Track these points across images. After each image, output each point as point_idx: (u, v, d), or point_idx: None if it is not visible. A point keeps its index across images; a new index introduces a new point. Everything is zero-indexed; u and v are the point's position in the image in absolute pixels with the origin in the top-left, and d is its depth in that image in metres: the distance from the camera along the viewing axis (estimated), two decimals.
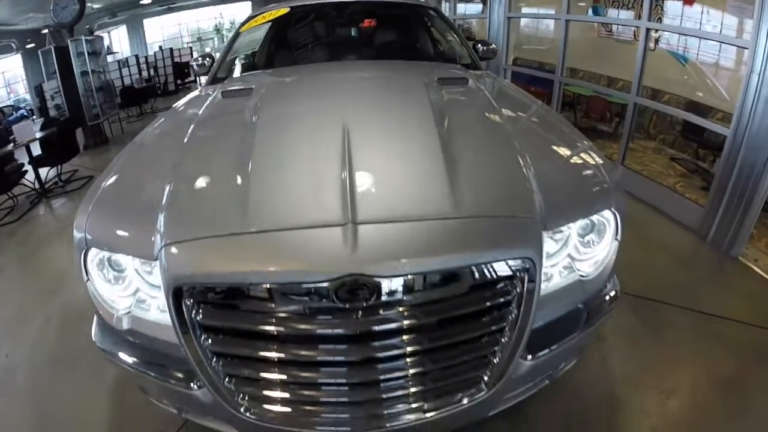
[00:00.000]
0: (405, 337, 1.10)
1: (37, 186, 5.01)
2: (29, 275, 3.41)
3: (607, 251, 1.33)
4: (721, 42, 3.59)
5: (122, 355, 1.30)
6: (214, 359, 1.14)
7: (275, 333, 1.10)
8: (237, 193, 1.20)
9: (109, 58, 10.70)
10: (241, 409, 1.19)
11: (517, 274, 1.09)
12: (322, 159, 1.27)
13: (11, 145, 4.94)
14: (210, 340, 1.12)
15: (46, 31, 9.23)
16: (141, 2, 14.77)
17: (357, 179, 1.16)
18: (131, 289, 1.26)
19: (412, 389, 1.17)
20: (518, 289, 1.10)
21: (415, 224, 1.07)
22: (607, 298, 1.39)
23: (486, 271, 1.07)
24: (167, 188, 1.27)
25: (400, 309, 1.06)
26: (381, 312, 1.05)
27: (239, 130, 1.55)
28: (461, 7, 7.78)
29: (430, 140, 1.34)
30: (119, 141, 7.31)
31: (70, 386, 2.16)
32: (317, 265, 1.01)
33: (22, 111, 13.17)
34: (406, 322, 1.07)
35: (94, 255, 1.27)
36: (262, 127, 1.52)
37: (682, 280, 2.73)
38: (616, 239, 1.33)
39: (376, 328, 1.07)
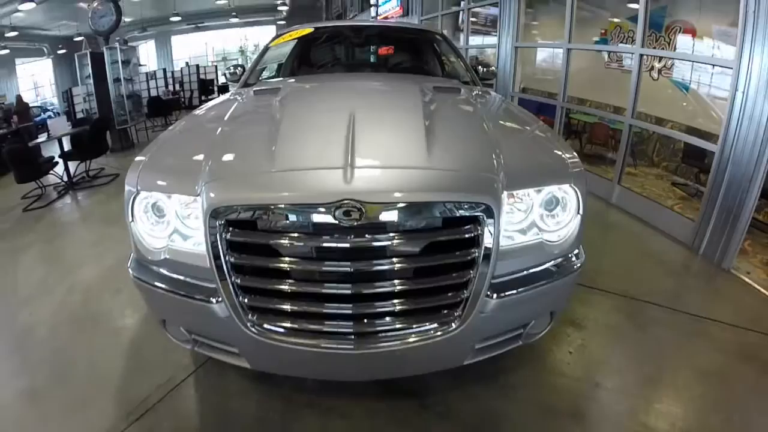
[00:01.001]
0: (389, 259, 1.40)
1: (65, 179, 5.31)
2: (55, 252, 3.64)
3: (571, 223, 1.61)
4: (709, 64, 3.84)
5: (156, 282, 1.56)
6: (234, 275, 1.43)
7: (286, 246, 1.41)
8: (266, 150, 1.54)
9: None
10: (248, 324, 1.46)
11: (479, 217, 1.39)
12: (332, 130, 1.62)
13: (45, 136, 5.28)
14: (233, 258, 1.41)
15: (79, 38, 9.80)
16: (171, 19, 15.51)
17: (357, 142, 1.50)
18: (169, 230, 1.54)
19: (396, 308, 1.44)
20: (480, 231, 1.40)
21: (398, 170, 1.44)
22: (573, 266, 1.64)
23: (452, 209, 1.38)
24: (209, 149, 1.59)
25: (386, 233, 1.37)
26: (368, 235, 1.36)
27: (269, 113, 1.92)
28: (478, 39, 8.12)
29: (416, 121, 1.71)
30: (145, 147, 7.66)
31: (88, 341, 2.35)
32: (322, 192, 1.34)
33: (49, 113, 13.74)
34: (391, 243, 1.38)
35: (142, 199, 1.56)
36: (287, 111, 1.89)
37: (671, 286, 2.86)
38: (579, 214, 1.61)
39: (365, 244, 1.37)
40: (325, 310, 1.44)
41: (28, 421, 1.87)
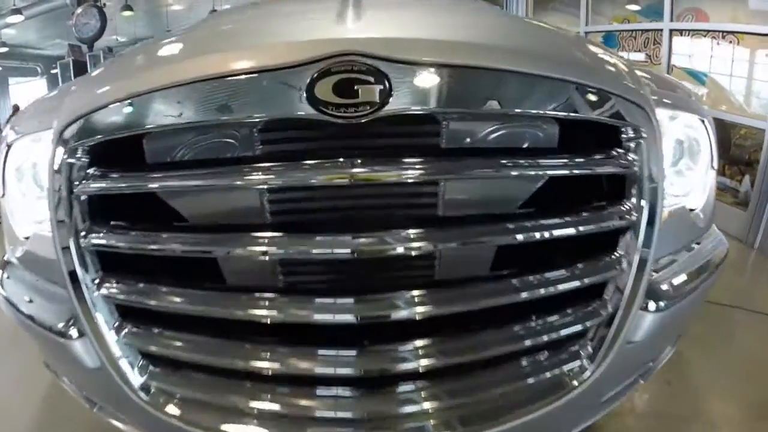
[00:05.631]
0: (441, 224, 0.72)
1: None
2: None
3: (706, 179, 0.97)
4: (745, 33, 3.50)
5: (10, 293, 0.94)
6: (105, 275, 0.73)
7: (211, 200, 0.74)
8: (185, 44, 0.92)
9: None
10: (140, 383, 0.74)
11: (630, 136, 0.71)
12: (321, 11, 0.92)
13: None
14: (99, 235, 0.72)
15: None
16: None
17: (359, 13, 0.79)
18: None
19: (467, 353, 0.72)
20: (637, 161, 0.71)
21: (442, 26, 0.82)
22: (721, 249, 1.04)
23: (571, 106, 0.68)
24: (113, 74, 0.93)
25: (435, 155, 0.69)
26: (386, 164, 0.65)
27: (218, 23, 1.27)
28: None
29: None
30: None
31: None
32: (293, 45, 0.66)
33: None
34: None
35: (13, 156, 0.92)
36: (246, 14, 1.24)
37: (739, 285, 2.43)
38: (712, 167, 0.99)
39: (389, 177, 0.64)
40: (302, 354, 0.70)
41: None
